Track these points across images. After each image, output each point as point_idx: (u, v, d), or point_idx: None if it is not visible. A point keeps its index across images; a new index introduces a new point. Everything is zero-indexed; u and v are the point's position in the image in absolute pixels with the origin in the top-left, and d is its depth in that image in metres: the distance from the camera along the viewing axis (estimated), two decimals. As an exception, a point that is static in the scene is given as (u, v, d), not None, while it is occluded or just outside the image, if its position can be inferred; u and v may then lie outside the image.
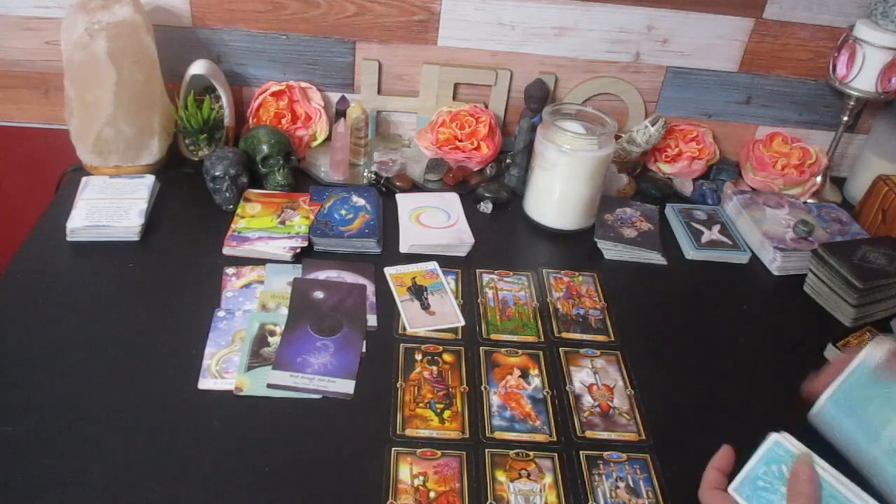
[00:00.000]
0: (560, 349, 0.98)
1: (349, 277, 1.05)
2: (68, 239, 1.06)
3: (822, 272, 1.12)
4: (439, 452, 0.82)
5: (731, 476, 0.66)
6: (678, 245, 1.22)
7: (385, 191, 1.24)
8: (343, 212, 1.16)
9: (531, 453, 0.83)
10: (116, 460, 0.77)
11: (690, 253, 1.19)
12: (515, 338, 0.99)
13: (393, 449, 0.82)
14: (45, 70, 1.28)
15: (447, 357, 0.95)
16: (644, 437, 0.87)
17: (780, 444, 0.63)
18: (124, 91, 1.13)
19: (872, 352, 0.65)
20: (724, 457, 0.67)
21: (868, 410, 0.64)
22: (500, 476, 0.80)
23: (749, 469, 0.63)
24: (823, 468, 0.60)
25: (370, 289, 1.03)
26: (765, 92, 1.39)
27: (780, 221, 1.24)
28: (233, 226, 1.11)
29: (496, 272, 1.10)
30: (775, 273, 1.18)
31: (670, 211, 1.29)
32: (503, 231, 1.21)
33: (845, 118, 1.34)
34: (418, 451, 0.82)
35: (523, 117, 1.28)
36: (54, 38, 1.23)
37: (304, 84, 1.33)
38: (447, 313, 1.01)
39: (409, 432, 0.84)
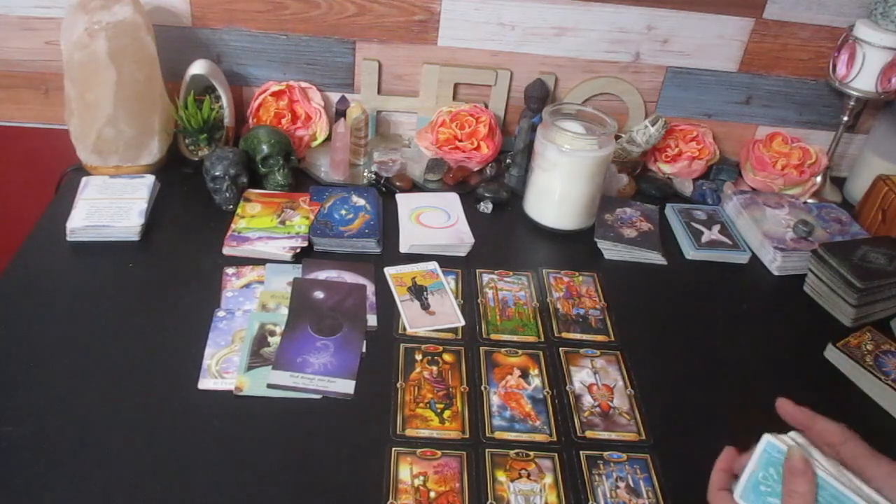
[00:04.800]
0: (560, 349, 0.98)
1: (349, 277, 1.05)
2: (68, 239, 1.06)
3: (822, 272, 1.12)
4: (439, 452, 0.82)
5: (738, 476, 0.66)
6: (678, 245, 1.22)
7: (385, 191, 1.24)
8: (343, 212, 1.16)
9: (531, 453, 0.83)
10: (116, 460, 0.77)
11: (690, 253, 1.19)
12: (515, 338, 0.99)
13: (393, 449, 0.82)
14: (45, 70, 1.28)
15: (447, 357, 0.95)
16: (644, 437, 0.87)
17: (773, 446, 0.62)
18: (124, 91, 1.13)
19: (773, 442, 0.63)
20: (728, 457, 0.67)
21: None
22: (501, 476, 0.80)
23: (749, 474, 0.63)
24: (822, 466, 0.60)
25: (370, 289, 1.03)
26: (765, 92, 1.40)
27: (780, 221, 1.24)
28: (233, 226, 1.11)
29: (496, 272, 1.10)
30: (775, 273, 1.18)
31: (670, 211, 1.29)
32: (503, 231, 1.21)
33: (845, 118, 1.34)
34: (418, 451, 0.82)
35: (523, 117, 1.28)
36: (54, 38, 1.23)
37: (304, 84, 1.33)
38: (447, 313, 1.01)
39: (410, 432, 0.84)
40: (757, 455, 0.62)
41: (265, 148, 1.19)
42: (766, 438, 0.62)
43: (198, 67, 1.23)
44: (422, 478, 0.79)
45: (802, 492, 0.58)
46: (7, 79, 1.29)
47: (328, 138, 1.33)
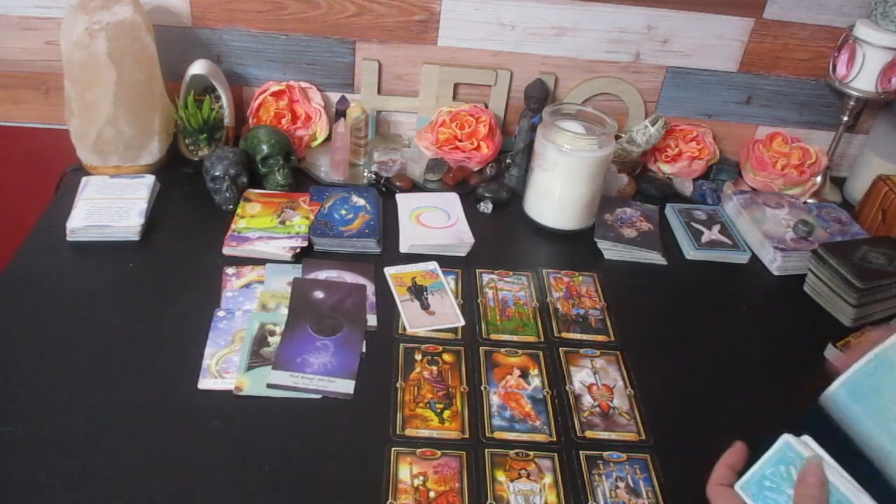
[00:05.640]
0: (560, 349, 0.98)
1: (349, 277, 1.05)
2: (68, 239, 1.06)
3: (822, 272, 1.12)
4: (439, 452, 0.82)
5: (741, 474, 0.66)
6: (678, 245, 1.22)
7: (385, 191, 1.24)
8: (343, 212, 1.16)
9: (531, 453, 0.83)
10: (116, 460, 0.77)
11: (690, 253, 1.19)
12: (515, 338, 0.99)
13: (393, 449, 0.82)
14: (45, 70, 1.28)
15: (447, 357, 0.95)
16: (644, 437, 0.87)
17: (790, 446, 0.62)
18: (124, 91, 1.13)
19: None
20: (735, 453, 0.66)
21: (880, 400, 0.63)
22: (500, 476, 0.80)
23: (756, 468, 0.63)
24: (834, 471, 0.60)
25: (370, 289, 1.03)
26: (765, 92, 1.40)
27: (780, 221, 1.24)
28: (233, 226, 1.11)
29: (496, 272, 1.10)
30: (775, 273, 1.18)
31: (670, 211, 1.29)
32: (503, 231, 1.21)
33: (845, 118, 1.34)
34: (418, 450, 0.82)
35: (523, 117, 1.28)
36: (54, 38, 1.23)
37: (304, 84, 1.33)
38: (447, 313, 1.01)
39: (409, 432, 0.84)
40: (772, 452, 0.63)
41: (265, 148, 1.19)
42: (785, 438, 0.63)
43: (198, 67, 1.22)
44: (421, 478, 0.79)
45: (816, 497, 0.58)
46: (7, 79, 1.29)
47: (328, 138, 1.33)
